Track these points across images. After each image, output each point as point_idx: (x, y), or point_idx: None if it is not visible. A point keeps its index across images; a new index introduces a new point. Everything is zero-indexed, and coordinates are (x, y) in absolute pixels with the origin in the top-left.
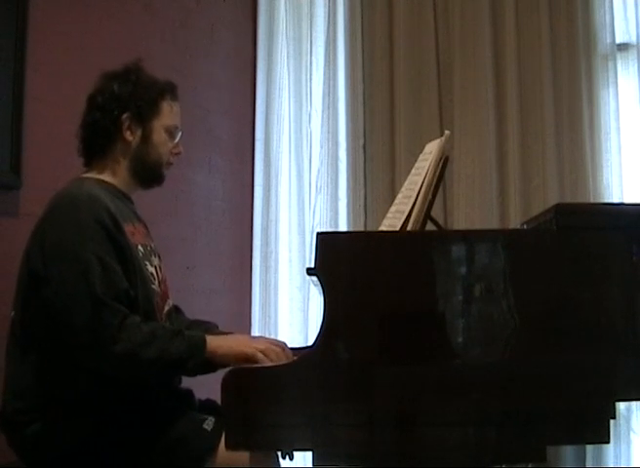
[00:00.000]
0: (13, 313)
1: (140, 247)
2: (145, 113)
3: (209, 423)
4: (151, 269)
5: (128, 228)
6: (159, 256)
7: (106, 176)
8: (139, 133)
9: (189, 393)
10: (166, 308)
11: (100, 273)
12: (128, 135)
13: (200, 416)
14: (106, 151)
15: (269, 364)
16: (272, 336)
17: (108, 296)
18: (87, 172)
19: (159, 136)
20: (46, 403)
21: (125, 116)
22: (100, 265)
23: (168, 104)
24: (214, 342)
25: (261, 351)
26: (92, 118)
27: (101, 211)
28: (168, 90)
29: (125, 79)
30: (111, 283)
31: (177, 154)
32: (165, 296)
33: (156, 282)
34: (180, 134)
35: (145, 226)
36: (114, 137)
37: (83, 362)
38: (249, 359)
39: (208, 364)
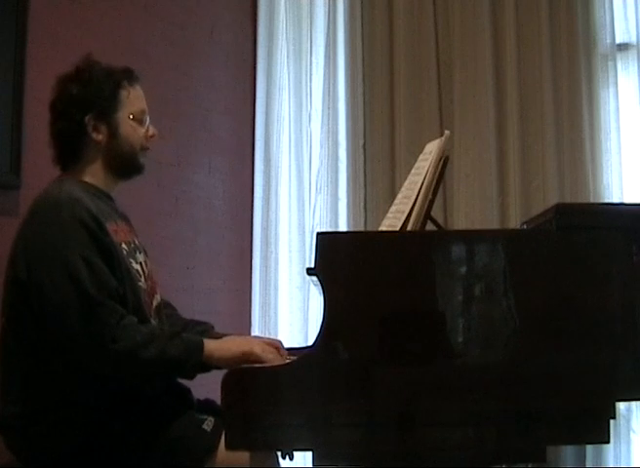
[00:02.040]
0: (3, 319)
1: (123, 245)
2: (106, 109)
3: (208, 424)
4: (136, 266)
5: (110, 227)
6: (145, 252)
7: (84, 177)
8: (105, 130)
9: (186, 391)
10: (154, 304)
11: (88, 274)
12: (95, 135)
13: (200, 417)
14: (79, 155)
15: (266, 364)
16: (272, 336)
17: (102, 295)
18: (65, 173)
19: (126, 126)
20: (40, 408)
21: (88, 117)
22: (86, 266)
23: (126, 91)
24: (211, 345)
25: (262, 349)
26: (57, 127)
27: (83, 211)
28: (123, 77)
29: (79, 80)
30: (102, 282)
31: (151, 137)
32: (152, 292)
33: (142, 278)
34: (147, 117)
35: (128, 222)
36: (83, 141)
37: (82, 364)
38: (246, 357)
39: (205, 366)
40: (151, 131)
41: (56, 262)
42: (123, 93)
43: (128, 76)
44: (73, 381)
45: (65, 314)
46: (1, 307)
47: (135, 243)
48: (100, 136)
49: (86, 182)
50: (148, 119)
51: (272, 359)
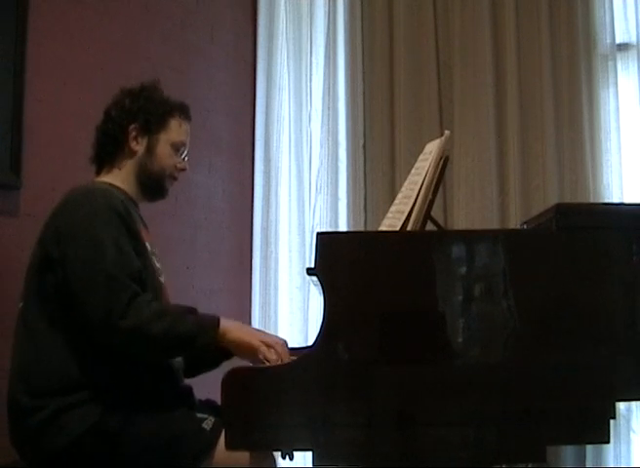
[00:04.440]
0: (21, 304)
1: (147, 245)
2: (152, 125)
3: (208, 423)
4: (158, 265)
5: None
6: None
7: (115, 182)
8: (144, 143)
9: (189, 390)
10: None
11: (114, 253)
12: (134, 144)
13: (200, 416)
14: (114, 158)
15: (270, 363)
16: None
17: (122, 273)
18: (97, 177)
19: (164, 148)
20: (48, 391)
21: (132, 126)
22: (114, 246)
23: (177, 121)
24: (227, 324)
25: (268, 345)
26: (103, 128)
27: (116, 200)
28: (178, 108)
29: (138, 95)
30: (125, 262)
31: (181, 170)
32: (166, 298)
33: (162, 278)
34: (185, 151)
35: (149, 233)
36: (121, 146)
37: (93, 337)
38: (253, 351)
39: (213, 352)
40: (184, 164)
41: (85, 240)
42: (173, 121)
43: (183, 110)
44: (86, 363)
45: (88, 289)
46: (22, 292)
47: (155, 251)
48: (137, 147)
49: (116, 186)
50: (186, 155)
51: (275, 361)
